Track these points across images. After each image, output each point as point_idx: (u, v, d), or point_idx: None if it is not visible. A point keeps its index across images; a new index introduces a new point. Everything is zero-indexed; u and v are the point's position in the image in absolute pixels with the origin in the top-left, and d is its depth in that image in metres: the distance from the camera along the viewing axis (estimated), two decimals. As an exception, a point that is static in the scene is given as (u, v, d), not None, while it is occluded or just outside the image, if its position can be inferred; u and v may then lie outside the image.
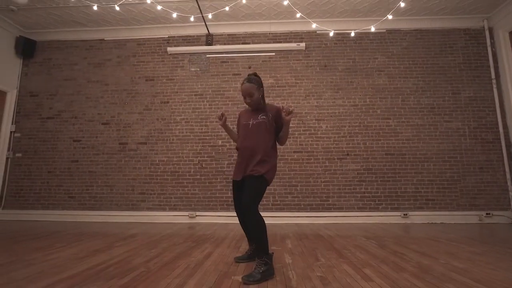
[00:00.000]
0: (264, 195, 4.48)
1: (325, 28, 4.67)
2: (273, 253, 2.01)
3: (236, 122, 2.43)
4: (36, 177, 4.96)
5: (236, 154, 2.33)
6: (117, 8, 3.72)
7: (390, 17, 3.80)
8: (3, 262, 2.15)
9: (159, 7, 3.55)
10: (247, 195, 1.95)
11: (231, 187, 4.64)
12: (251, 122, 2.16)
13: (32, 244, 2.83)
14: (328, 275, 1.86)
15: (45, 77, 5.27)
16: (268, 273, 1.79)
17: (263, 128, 2.12)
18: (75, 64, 5.27)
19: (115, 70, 5.20)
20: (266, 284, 1.67)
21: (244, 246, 2.75)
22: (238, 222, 2.54)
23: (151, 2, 3.69)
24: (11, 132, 5.07)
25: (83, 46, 5.33)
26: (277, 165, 2.31)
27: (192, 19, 3.92)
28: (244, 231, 2.29)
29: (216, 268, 2.00)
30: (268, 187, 2.11)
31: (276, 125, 2.18)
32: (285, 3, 3.44)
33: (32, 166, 5.00)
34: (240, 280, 1.74)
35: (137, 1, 4.07)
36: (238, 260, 2.21)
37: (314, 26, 3.82)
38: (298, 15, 3.44)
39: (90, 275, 1.84)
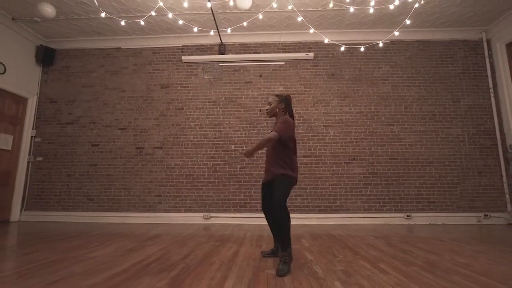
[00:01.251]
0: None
1: (337, 42, 4.93)
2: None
3: None
4: (56, 180, 5.18)
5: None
6: (142, 23, 3.95)
7: (396, 33, 4.07)
8: (53, 259, 2.38)
9: (180, 22, 3.79)
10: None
11: (243, 190, 4.90)
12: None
13: (67, 243, 3.05)
14: (349, 269, 2.11)
15: (64, 84, 5.50)
16: (290, 262, 2.11)
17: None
18: (93, 71, 5.51)
19: (131, 78, 5.44)
20: (298, 275, 1.92)
21: (265, 245, 2.99)
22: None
23: (172, 16, 3.94)
24: (31, 137, 5.28)
25: (100, 54, 5.57)
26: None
27: (212, 33, 4.16)
28: (271, 231, 2.55)
29: (248, 264, 2.25)
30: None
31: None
32: (299, 19, 3.71)
33: (52, 170, 5.22)
34: (274, 273, 1.99)
35: (161, 14, 4.30)
36: (265, 254, 2.47)
37: (326, 41, 4.07)
38: (312, 30, 3.68)
39: (138, 270, 2.08)
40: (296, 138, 2.50)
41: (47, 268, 2.10)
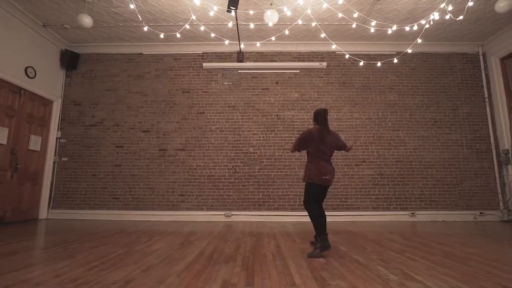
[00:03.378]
0: (291, 197, 5.13)
1: (354, 53, 5.34)
2: (327, 233, 2.72)
3: None
4: (82, 180, 5.41)
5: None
6: (178, 35, 4.25)
7: (409, 51, 4.51)
8: (122, 252, 2.69)
9: (213, 35, 4.11)
10: None
11: (262, 189, 5.27)
12: None
13: (119, 239, 3.35)
14: (383, 257, 2.51)
15: (88, 87, 5.72)
16: (323, 247, 2.59)
17: None
18: (116, 75, 5.75)
19: (153, 82, 5.71)
20: (345, 262, 2.31)
21: (298, 240, 3.37)
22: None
23: (203, 27, 4.26)
24: (57, 138, 5.49)
25: (122, 59, 5.81)
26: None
27: (242, 45, 4.49)
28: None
29: (295, 254, 2.62)
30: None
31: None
32: (322, 35, 4.09)
33: (78, 170, 5.45)
34: (324, 261, 2.38)
35: (193, 24, 4.59)
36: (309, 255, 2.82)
37: (347, 56, 4.51)
38: (334, 46, 4.08)
39: (206, 260, 2.42)
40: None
41: (127, 259, 2.41)
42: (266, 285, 1.79)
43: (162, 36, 4.18)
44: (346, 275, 1.99)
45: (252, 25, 3.99)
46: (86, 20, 4.21)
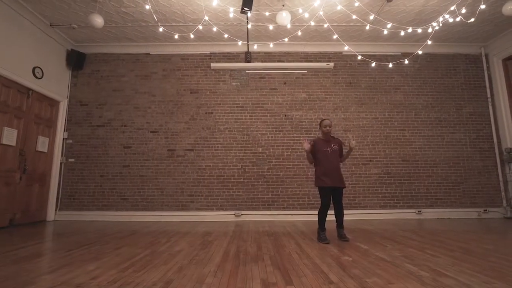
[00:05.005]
0: (301, 196, 5.19)
1: (366, 53, 5.40)
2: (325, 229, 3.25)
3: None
4: (90, 181, 5.37)
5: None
6: (192, 36, 4.26)
7: (420, 52, 4.60)
8: (147, 253, 2.70)
9: (226, 36, 4.13)
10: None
11: (271, 189, 5.30)
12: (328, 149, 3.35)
13: (139, 240, 3.35)
14: (406, 254, 2.57)
15: (94, 87, 5.67)
16: (319, 239, 3.16)
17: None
18: (123, 76, 5.71)
19: (161, 83, 5.69)
20: (371, 259, 2.36)
21: (315, 238, 3.42)
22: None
23: (216, 28, 4.27)
24: (64, 139, 5.44)
25: (129, 59, 5.78)
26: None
27: (255, 47, 4.53)
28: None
29: (320, 253, 2.67)
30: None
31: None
32: (335, 37, 4.14)
33: (85, 171, 5.40)
34: (351, 259, 2.42)
35: (207, 25, 4.59)
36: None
37: (359, 57, 4.59)
38: (346, 47, 4.14)
39: (234, 259, 2.45)
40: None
41: (155, 261, 2.42)
42: (305, 284, 1.83)
43: (176, 36, 4.20)
44: (378, 273, 2.04)
45: (271, 27, 4.05)
46: (98, 20, 4.18)
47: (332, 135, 3.48)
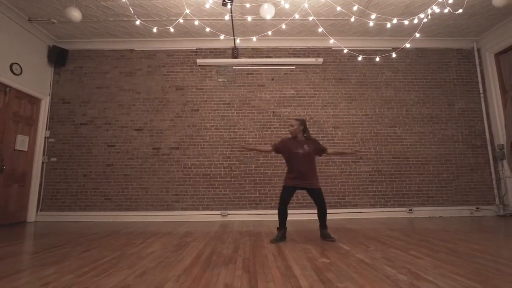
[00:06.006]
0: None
1: (351, 48, 5.26)
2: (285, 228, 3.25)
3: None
4: (72, 180, 5.22)
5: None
6: (172, 29, 4.11)
7: (408, 45, 4.46)
8: (116, 256, 2.56)
9: (207, 29, 3.99)
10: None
11: (258, 188, 5.16)
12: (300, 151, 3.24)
13: (111, 241, 3.21)
14: (387, 256, 2.44)
15: (77, 84, 5.52)
16: (277, 238, 3.14)
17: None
18: (107, 72, 5.56)
19: (146, 80, 5.54)
20: (350, 262, 2.22)
21: (298, 239, 3.29)
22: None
23: (198, 22, 4.13)
24: (45, 137, 5.28)
25: (113, 56, 5.62)
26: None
27: (238, 40, 4.37)
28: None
29: (298, 255, 2.53)
30: None
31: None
32: (320, 30, 4.00)
33: (68, 170, 5.25)
34: (328, 261, 2.29)
35: (187, 19, 4.45)
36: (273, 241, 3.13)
37: (345, 51, 4.44)
38: (332, 41, 4.00)
39: (204, 262, 2.31)
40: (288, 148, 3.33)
41: (120, 264, 2.28)
42: (271, 289, 1.69)
43: (155, 30, 4.04)
44: (353, 276, 1.90)
45: (249, 18, 3.89)
46: (75, 14, 4.03)
47: (307, 136, 3.35)
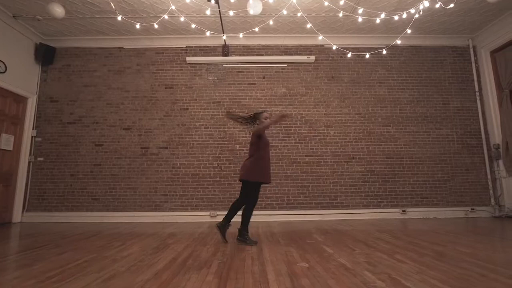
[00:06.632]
0: (279, 195, 4.97)
1: (342, 46, 5.15)
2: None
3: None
4: (59, 180, 5.13)
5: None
6: (156, 26, 4.01)
7: (399, 41, 4.35)
8: (89, 259, 2.46)
9: (193, 26, 3.88)
10: None
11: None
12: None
13: (91, 243, 3.12)
14: (370, 260, 2.34)
15: (65, 83, 5.43)
16: (251, 241, 3.06)
17: None
18: (95, 71, 5.47)
19: (134, 78, 5.45)
20: (329, 267, 2.13)
21: (282, 241, 3.19)
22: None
23: (183, 18, 4.03)
24: (32, 136, 5.20)
25: (102, 54, 5.53)
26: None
27: (224, 37, 4.27)
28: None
29: (277, 258, 2.43)
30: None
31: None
32: (309, 26, 3.89)
33: (55, 170, 5.16)
34: (307, 265, 2.19)
35: (173, 16, 4.35)
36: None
37: (334, 47, 4.34)
38: (320, 37, 3.90)
39: (178, 266, 2.21)
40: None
41: (90, 267, 2.19)
42: (238, 297, 1.60)
43: (138, 26, 3.94)
44: (329, 283, 1.80)
45: (231, 13, 3.76)
46: (58, 10, 3.95)
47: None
